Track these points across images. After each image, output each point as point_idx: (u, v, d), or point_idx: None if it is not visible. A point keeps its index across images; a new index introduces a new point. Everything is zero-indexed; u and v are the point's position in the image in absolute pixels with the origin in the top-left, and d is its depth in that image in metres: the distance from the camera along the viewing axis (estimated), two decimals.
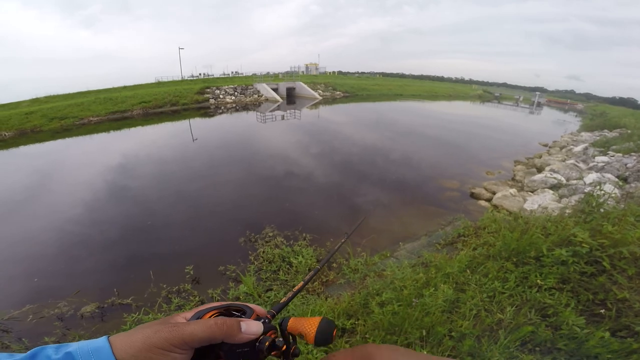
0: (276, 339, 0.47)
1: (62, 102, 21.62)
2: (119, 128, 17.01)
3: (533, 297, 1.83)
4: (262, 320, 0.47)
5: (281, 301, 0.57)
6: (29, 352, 0.37)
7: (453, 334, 1.90)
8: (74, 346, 0.39)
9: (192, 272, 4.26)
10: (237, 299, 3.50)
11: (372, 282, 3.03)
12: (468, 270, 2.59)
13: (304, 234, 5.05)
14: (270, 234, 5.12)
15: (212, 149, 11.66)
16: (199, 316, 0.46)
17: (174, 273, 4.27)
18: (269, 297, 3.40)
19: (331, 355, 0.44)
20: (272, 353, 0.46)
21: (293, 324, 0.48)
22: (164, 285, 3.97)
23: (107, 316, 3.66)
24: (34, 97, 24.13)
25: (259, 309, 0.51)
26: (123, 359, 0.38)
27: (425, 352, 0.33)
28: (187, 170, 9.15)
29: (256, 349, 0.44)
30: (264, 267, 4.20)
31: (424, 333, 1.92)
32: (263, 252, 4.56)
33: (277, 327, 0.50)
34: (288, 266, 4.12)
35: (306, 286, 3.04)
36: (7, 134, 15.36)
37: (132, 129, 16.96)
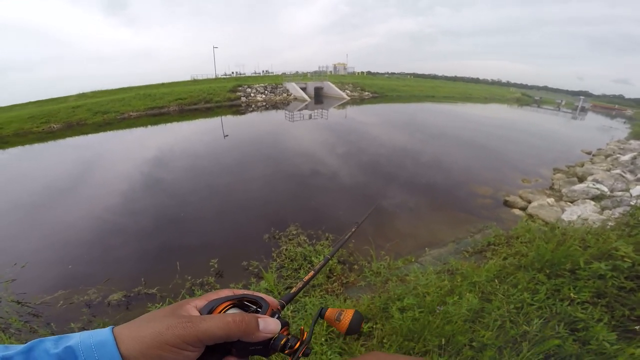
0: (289, 337, 0.45)
1: (106, 97, 23.05)
2: (156, 123, 17.85)
3: (563, 311, 1.71)
4: (276, 315, 0.46)
5: (292, 291, 0.56)
6: (26, 344, 0.35)
7: (474, 343, 1.82)
8: (75, 339, 0.37)
9: (216, 266, 4.37)
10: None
11: (393, 287, 2.97)
12: (496, 280, 2.47)
13: (326, 234, 5.04)
14: (294, 232, 5.15)
15: (242, 146, 11.95)
16: (211, 307, 0.44)
17: (199, 265, 4.41)
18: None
19: None
20: (285, 352, 0.45)
21: (330, 313, 0.48)
22: (189, 277, 4.10)
23: (132, 305, 3.81)
24: (81, 92, 25.87)
25: (271, 299, 0.49)
26: (130, 354, 0.35)
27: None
28: (217, 165, 9.44)
29: (269, 347, 0.43)
30: (286, 265, 4.23)
31: (443, 341, 1.85)
32: (286, 249, 4.60)
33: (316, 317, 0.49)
34: (309, 265, 4.13)
35: (325, 285, 3.02)
36: (55, 126, 16.59)
37: (168, 124, 17.74)
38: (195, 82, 34.53)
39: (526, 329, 1.74)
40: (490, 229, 4.91)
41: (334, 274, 3.91)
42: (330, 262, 4.06)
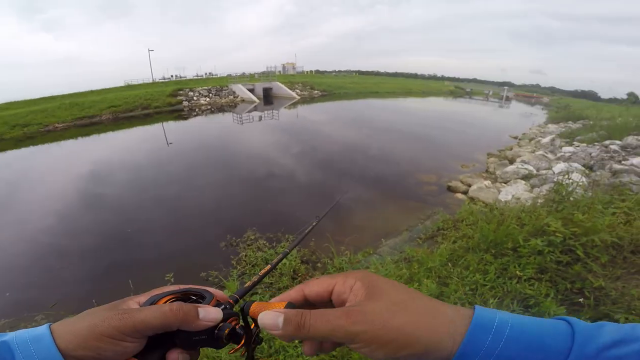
0: (237, 326, 0.43)
1: (25, 108, 20.44)
2: (87, 134, 16.29)
3: (514, 288, 1.89)
4: (223, 306, 0.44)
5: (245, 285, 0.53)
6: None
7: None
8: (10, 335, 0.36)
9: (172, 280, 4.13)
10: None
11: None
12: (449, 264, 2.65)
13: (286, 235, 5.01)
14: (252, 237, 5.04)
15: (188, 153, 11.38)
16: (153, 301, 0.42)
17: (154, 280, 4.15)
18: (253, 301, 3.35)
19: (325, 277, 0.41)
20: (233, 341, 0.42)
21: (256, 308, 0.42)
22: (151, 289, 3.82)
23: None
24: None
25: (219, 293, 0.47)
26: (67, 348, 0.34)
27: None
28: (163, 175, 8.90)
29: (215, 337, 0.41)
30: (248, 271, 4.12)
31: None
32: (245, 255, 4.49)
33: (240, 313, 0.44)
34: (273, 269, 4.06)
35: (290, 286, 2.99)
36: None
37: (102, 135, 16.29)
38: (130, 87, 32.05)
39: None
40: (438, 214, 5.24)
41: (299, 275, 3.90)
42: (294, 263, 4.04)
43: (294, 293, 0.42)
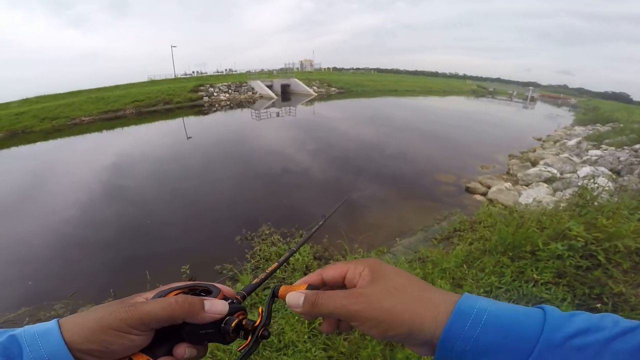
0: (244, 320, 0.43)
1: (53, 102, 21.34)
2: (112, 127, 16.84)
3: (529, 292, 1.84)
4: (230, 300, 0.44)
5: (253, 282, 0.54)
6: None
7: None
8: (19, 329, 0.37)
9: (188, 272, 4.23)
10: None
11: None
12: (464, 265, 2.60)
13: (300, 231, 5.04)
14: (267, 232, 5.10)
15: (207, 147, 11.59)
16: (160, 295, 0.43)
17: (171, 273, 4.26)
18: (265, 295, 3.39)
19: (341, 263, 0.46)
20: (241, 335, 0.43)
21: (283, 291, 0.46)
22: (160, 285, 3.90)
23: None
24: (24, 97, 23.79)
25: (227, 289, 0.48)
26: (74, 341, 0.35)
27: None
28: (182, 168, 9.10)
29: (221, 331, 0.41)
30: (261, 265, 4.18)
31: None
32: (260, 250, 4.54)
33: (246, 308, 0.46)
34: (285, 264, 4.10)
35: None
36: None
37: (126, 128, 16.82)
38: (153, 82, 32.88)
39: None
40: (455, 215, 5.14)
41: (310, 270, 3.91)
42: (306, 259, 4.06)
43: (314, 276, 0.46)
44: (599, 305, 1.69)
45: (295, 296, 0.43)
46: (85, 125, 17.47)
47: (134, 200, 6.99)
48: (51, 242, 5.40)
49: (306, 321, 2.48)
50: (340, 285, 0.45)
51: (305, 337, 2.30)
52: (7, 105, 21.88)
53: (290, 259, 4.07)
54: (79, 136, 15.16)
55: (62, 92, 25.85)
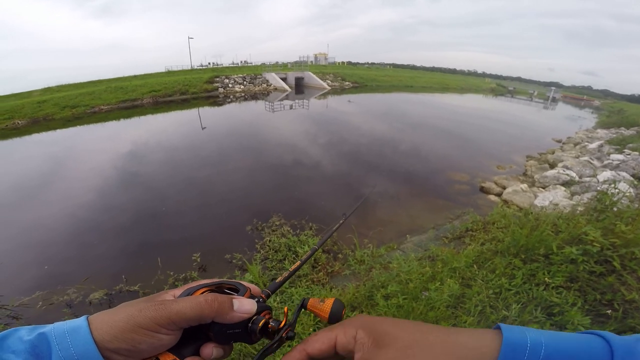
0: (270, 320, 0.44)
1: (74, 91, 21.90)
2: (129, 116, 17.19)
3: (539, 295, 1.81)
4: (257, 299, 0.44)
5: (277, 280, 0.55)
6: (1, 333, 0.35)
7: None
8: (49, 327, 0.36)
9: (199, 260, 4.32)
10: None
11: (377, 274, 3.03)
12: (475, 266, 2.57)
13: (310, 224, 5.06)
14: (277, 223, 5.14)
15: (221, 138, 11.71)
16: (188, 293, 0.43)
17: (182, 260, 4.34)
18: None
19: (323, 331, 0.40)
20: (266, 336, 0.43)
21: (312, 303, 0.46)
22: (171, 273, 4.03)
23: (114, 303, 3.72)
24: (46, 86, 24.47)
25: (253, 287, 0.48)
26: (103, 339, 0.35)
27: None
28: (196, 158, 9.23)
29: (249, 330, 0.41)
30: (270, 256, 4.23)
31: None
32: (269, 240, 4.59)
33: (271, 307, 0.46)
34: (294, 255, 4.14)
35: (310, 275, 3.03)
36: (20, 122, 15.67)
37: (143, 117, 17.13)
38: (169, 73, 33.32)
39: (505, 314, 1.82)
40: (467, 215, 5.06)
41: (319, 264, 3.94)
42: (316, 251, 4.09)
43: (297, 355, 0.39)
44: (609, 311, 1.65)
45: None
46: (104, 114, 17.88)
47: (150, 187, 7.14)
48: (69, 226, 5.56)
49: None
50: (332, 356, 0.39)
51: (311, 329, 2.33)
52: (29, 93, 22.57)
53: (300, 251, 4.12)
54: (98, 124, 15.52)
55: (83, 81, 26.48)
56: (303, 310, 0.48)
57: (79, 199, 6.54)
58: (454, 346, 0.33)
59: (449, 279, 2.46)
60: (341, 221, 0.93)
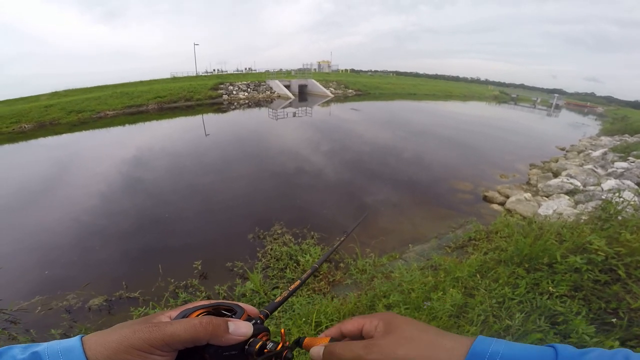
0: (267, 342, 0.44)
1: (80, 95, 22.16)
2: (134, 122, 17.34)
3: (543, 304, 1.79)
4: (254, 321, 0.44)
5: (275, 300, 0.54)
6: None
7: None
8: (43, 346, 0.37)
9: (200, 267, 4.30)
10: (244, 295, 3.51)
11: (379, 284, 3.01)
12: (478, 275, 2.54)
13: (312, 233, 5.05)
14: (279, 231, 5.13)
15: (225, 145, 11.77)
16: (184, 315, 0.43)
17: (183, 267, 4.33)
18: (275, 295, 3.42)
19: (357, 317, 0.49)
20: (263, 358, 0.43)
21: (308, 342, 0.50)
22: (172, 280, 4.02)
23: (114, 309, 3.71)
24: (53, 91, 24.80)
25: (250, 308, 0.48)
26: (97, 359, 0.35)
27: None
28: (199, 164, 9.28)
29: (245, 352, 0.41)
30: (272, 265, 4.21)
31: None
32: (271, 249, 4.58)
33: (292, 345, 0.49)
34: (295, 264, 4.12)
35: (312, 284, 3.01)
36: (26, 126, 15.83)
37: (147, 123, 17.27)
38: (175, 79, 33.68)
39: (509, 324, 1.80)
40: (470, 224, 5.03)
41: (320, 273, 3.92)
42: (317, 260, 4.07)
43: (334, 330, 0.51)
44: (614, 320, 1.63)
45: (316, 350, 0.47)
46: (109, 119, 18.05)
47: (153, 193, 7.17)
48: (71, 230, 5.57)
49: (313, 322, 2.48)
50: (359, 337, 0.48)
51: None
52: (37, 97, 22.87)
53: (301, 260, 4.10)
54: (103, 129, 15.66)
55: (89, 86, 26.82)
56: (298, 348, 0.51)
57: (82, 204, 6.57)
58: (435, 346, 0.39)
59: (451, 289, 2.43)
60: (342, 238, 0.96)
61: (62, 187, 7.68)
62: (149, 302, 3.60)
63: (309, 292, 3.45)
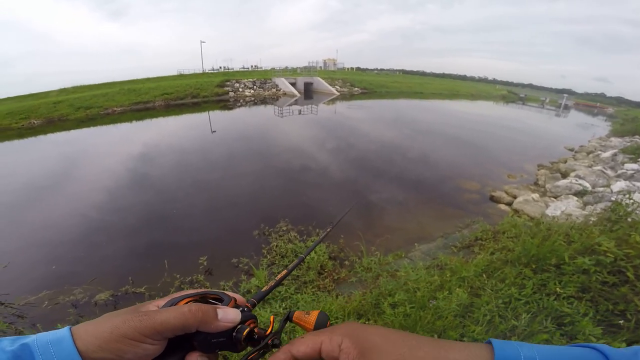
0: (255, 329, 0.44)
1: (88, 92, 22.40)
2: (141, 118, 17.48)
3: (550, 305, 1.77)
4: (241, 308, 0.45)
5: (262, 290, 0.55)
6: None
7: (465, 339, 1.86)
8: (32, 337, 0.36)
9: (205, 263, 4.34)
10: (249, 292, 3.53)
11: (384, 282, 3.00)
12: (484, 275, 2.53)
13: (317, 230, 5.06)
14: (284, 228, 5.15)
15: (231, 142, 11.82)
16: (172, 303, 0.43)
17: (188, 263, 4.37)
18: (279, 292, 3.43)
19: (310, 335, 0.40)
20: (251, 345, 0.43)
21: (297, 315, 0.47)
22: (178, 275, 4.05)
23: (119, 304, 3.73)
24: (62, 87, 25.09)
25: (238, 297, 0.48)
26: (88, 349, 0.35)
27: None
28: (205, 161, 9.33)
29: (233, 339, 0.41)
30: (277, 262, 4.23)
31: (435, 337, 1.89)
32: (276, 246, 4.59)
33: (256, 316, 0.47)
34: (301, 262, 4.12)
35: (317, 282, 3.01)
36: (35, 121, 16.06)
37: (154, 120, 17.40)
38: (181, 76, 33.87)
39: (515, 324, 1.79)
40: (477, 224, 5.00)
41: (325, 270, 3.92)
42: (322, 258, 4.08)
43: (282, 356, 0.39)
44: (621, 321, 1.61)
45: None
46: (117, 115, 18.22)
47: (160, 189, 7.22)
48: (79, 226, 5.63)
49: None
50: None
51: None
52: (46, 94, 23.16)
53: (307, 258, 4.10)
54: (110, 125, 15.82)
55: (97, 83, 27.09)
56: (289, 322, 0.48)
57: (90, 200, 6.64)
58: None
59: (457, 288, 2.42)
60: (328, 229, 0.95)
61: (69, 183, 7.77)
62: (154, 298, 3.60)
63: (313, 290, 3.46)
